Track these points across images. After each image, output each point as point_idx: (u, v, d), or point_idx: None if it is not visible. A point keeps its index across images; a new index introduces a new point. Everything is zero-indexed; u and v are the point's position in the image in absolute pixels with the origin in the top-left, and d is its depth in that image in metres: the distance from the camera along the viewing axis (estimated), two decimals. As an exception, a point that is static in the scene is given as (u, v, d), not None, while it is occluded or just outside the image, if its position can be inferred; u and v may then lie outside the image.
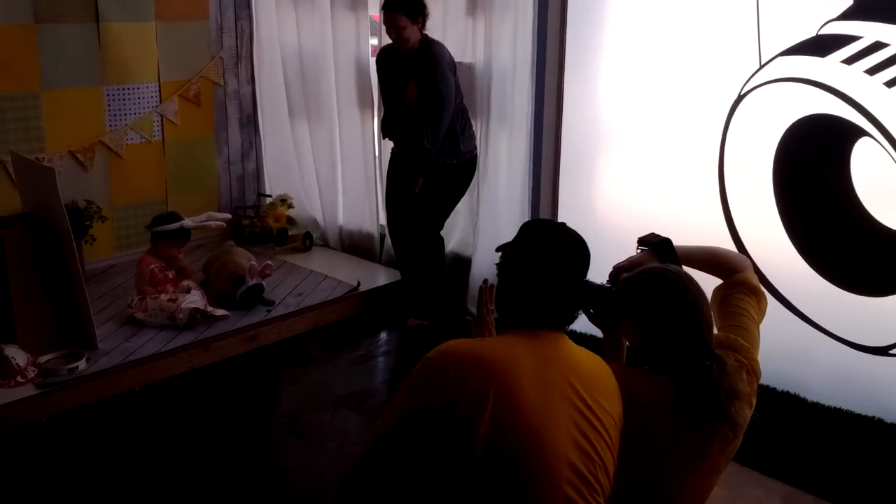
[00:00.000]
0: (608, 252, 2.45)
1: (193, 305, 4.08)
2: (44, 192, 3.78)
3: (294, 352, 4.19)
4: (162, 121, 5.01)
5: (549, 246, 2.07)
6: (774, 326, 2.78)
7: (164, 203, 5.09)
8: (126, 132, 4.88)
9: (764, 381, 3.21)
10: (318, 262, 5.05)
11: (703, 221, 3.36)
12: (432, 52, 4.13)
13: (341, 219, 5.22)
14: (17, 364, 3.60)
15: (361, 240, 5.16)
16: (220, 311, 4.18)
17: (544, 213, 3.84)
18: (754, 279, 2.31)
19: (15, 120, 4.47)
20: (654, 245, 2.42)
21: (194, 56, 5.09)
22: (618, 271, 2.35)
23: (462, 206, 4.54)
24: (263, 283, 4.34)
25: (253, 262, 4.30)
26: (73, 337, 3.89)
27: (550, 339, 1.97)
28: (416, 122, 4.17)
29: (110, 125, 4.82)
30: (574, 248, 2.06)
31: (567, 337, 2.04)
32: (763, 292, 2.28)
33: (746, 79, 3.16)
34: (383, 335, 4.43)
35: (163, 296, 4.13)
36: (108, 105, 4.79)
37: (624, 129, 3.58)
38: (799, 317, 3.20)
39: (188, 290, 4.19)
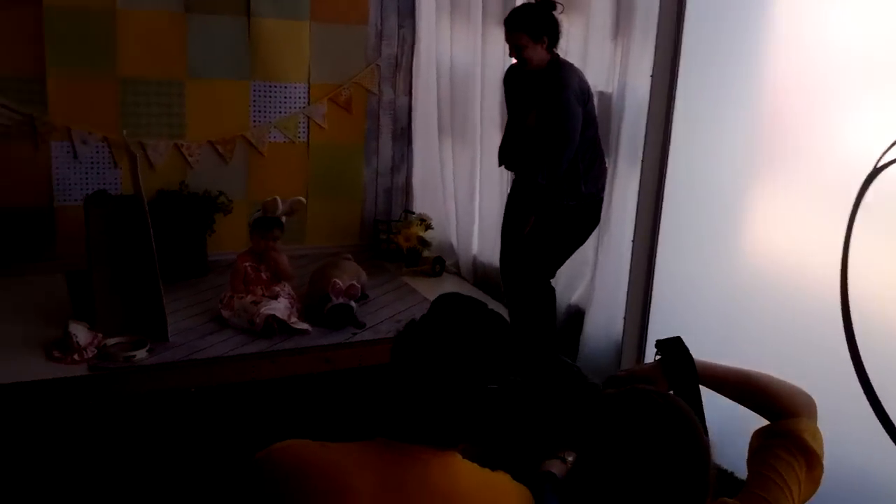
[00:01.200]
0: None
1: (271, 312, 3.88)
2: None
3: (366, 381, 3.87)
4: (308, 123, 4.91)
5: (436, 330, 1.60)
6: None
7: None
8: (269, 130, 4.82)
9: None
10: (440, 290, 4.66)
11: (817, 321, 2.61)
12: (559, 75, 3.66)
13: (475, 248, 4.84)
14: (78, 342, 3.58)
15: (493, 274, 4.74)
16: (301, 325, 3.94)
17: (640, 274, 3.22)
18: (809, 433, 1.64)
19: (158, 105, 4.55)
20: (666, 355, 1.81)
21: (349, 61, 4.93)
22: (611, 381, 1.79)
23: (589, 255, 4.00)
24: (352, 303, 4.05)
25: (337, 280, 4.02)
26: (152, 325, 3.83)
27: (419, 460, 1.51)
28: (533, 151, 3.72)
29: (254, 121, 4.78)
30: (474, 338, 1.58)
31: (455, 457, 1.54)
32: (819, 456, 1.62)
33: (885, 148, 2.39)
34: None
35: (249, 297, 3.97)
36: (254, 101, 4.75)
37: (733, 192, 2.89)
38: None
39: (276, 296, 4.00)
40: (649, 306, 3.14)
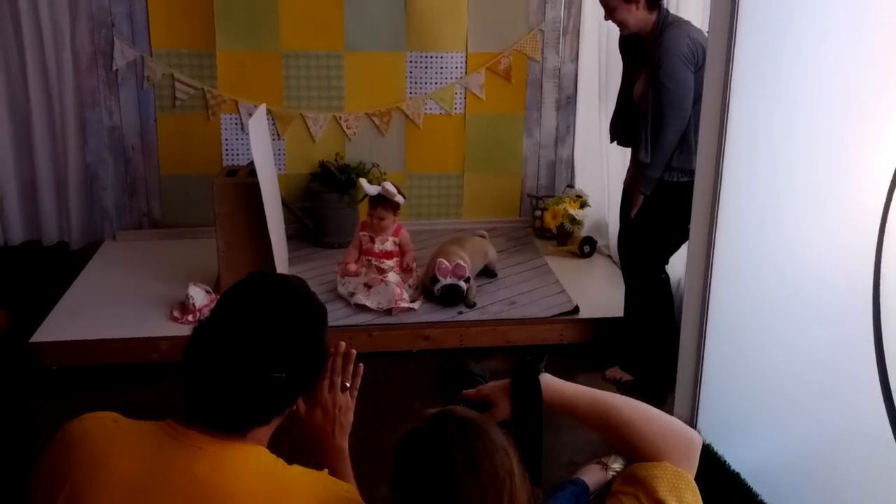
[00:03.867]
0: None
1: (381, 307, 3.89)
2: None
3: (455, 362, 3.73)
4: (465, 93, 4.80)
5: (220, 314, 1.54)
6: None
7: (461, 177, 4.93)
8: (425, 101, 4.79)
9: None
10: (580, 272, 4.41)
11: (844, 341, 2.09)
12: (662, 38, 3.22)
13: (627, 229, 4.45)
14: (193, 304, 3.85)
15: (644, 258, 4.34)
16: (405, 304, 3.90)
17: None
18: (666, 482, 1.40)
19: (318, 77, 4.71)
20: (516, 375, 1.60)
21: (509, 27, 4.74)
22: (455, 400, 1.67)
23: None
24: (461, 283, 3.92)
25: (442, 260, 3.90)
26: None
27: (191, 448, 1.45)
28: (639, 125, 3.34)
29: (410, 93, 4.77)
30: (258, 324, 1.49)
31: (239, 448, 1.47)
32: None
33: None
34: (570, 378, 3.68)
35: (363, 276, 3.99)
36: (410, 72, 4.74)
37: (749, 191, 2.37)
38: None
39: (386, 273, 3.98)
40: (707, 307, 2.70)
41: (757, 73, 2.42)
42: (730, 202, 2.56)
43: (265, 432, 1.52)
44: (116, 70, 4.59)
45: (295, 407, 1.58)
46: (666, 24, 3.26)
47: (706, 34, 3.25)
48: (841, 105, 2.13)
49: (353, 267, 4.03)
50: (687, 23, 3.31)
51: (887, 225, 1.93)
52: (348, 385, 1.75)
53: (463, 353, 3.79)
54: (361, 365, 1.78)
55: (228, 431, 1.47)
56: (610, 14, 3.29)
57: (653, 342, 3.56)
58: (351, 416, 1.75)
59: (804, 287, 2.30)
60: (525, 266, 4.43)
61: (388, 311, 3.88)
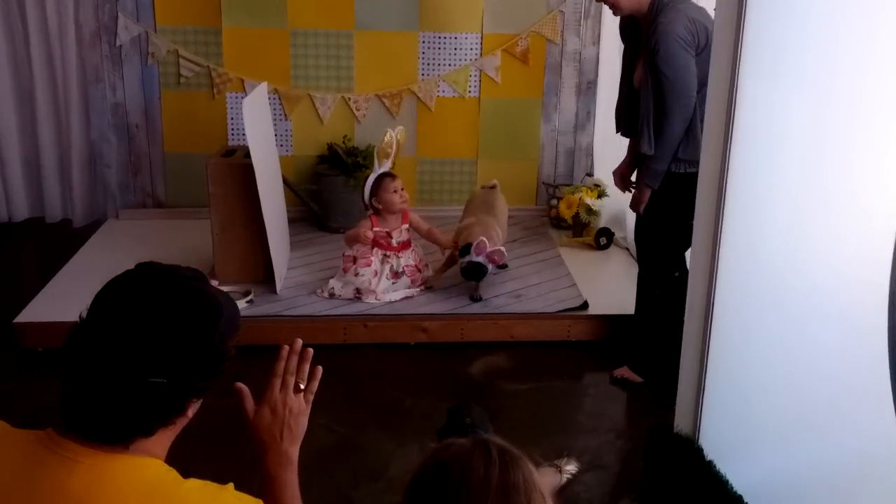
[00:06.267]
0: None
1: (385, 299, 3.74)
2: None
3: (455, 358, 3.55)
4: (480, 76, 4.59)
5: (97, 310, 1.36)
6: None
7: (474, 163, 4.73)
8: (438, 83, 4.60)
9: None
10: (594, 266, 4.21)
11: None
12: (658, 22, 2.99)
13: (646, 221, 4.21)
14: (183, 288, 3.70)
15: (662, 253, 4.11)
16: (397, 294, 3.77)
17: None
18: None
19: (327, 57, 4.54)
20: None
21: (527, 8, 4.53)
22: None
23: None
24: (490, 267, 3.68)
25: (483, 239, 3.65)
26: (266, 277, 3.85)
27: (66, 460, 1.30)
28: (641, 114, 3.12)
29: (422, 74, 4.59)
30: (136, 322, 1.32)
31: (121, 461, 1.31)
32: None
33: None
34: (575, 379, 3.49)
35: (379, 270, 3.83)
36: (422, 53, 4.56)
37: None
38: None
39: (398, 271, 3.83)
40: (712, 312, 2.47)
41: (766, 60, 2.18)
42: (736, 201, 2.32)
43: (157, 443, 1.35)
44: (120, 46, 4.47)
45: (190, 415, 1.39)
46: (662, 4, 3.02)
47: (710, 12, 3.04)
48: (855, 96, 1.89)
49: (370, 234, 3.81)
50: (685, 1, 3.06)
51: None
52: (302, 387, 1.58)
53: (463, 348, 3.61)
54: (319, 367, 1.60)
55: (106, 442, 1.30)
56: None
57: (665, 344, 3.34)
58: (304, 421, 1.57)
59: (814, 295, 2.07)
60: (536, 257, 4.23)
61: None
